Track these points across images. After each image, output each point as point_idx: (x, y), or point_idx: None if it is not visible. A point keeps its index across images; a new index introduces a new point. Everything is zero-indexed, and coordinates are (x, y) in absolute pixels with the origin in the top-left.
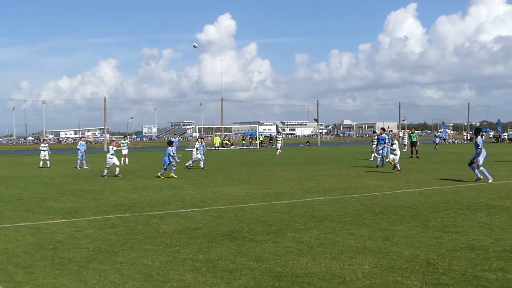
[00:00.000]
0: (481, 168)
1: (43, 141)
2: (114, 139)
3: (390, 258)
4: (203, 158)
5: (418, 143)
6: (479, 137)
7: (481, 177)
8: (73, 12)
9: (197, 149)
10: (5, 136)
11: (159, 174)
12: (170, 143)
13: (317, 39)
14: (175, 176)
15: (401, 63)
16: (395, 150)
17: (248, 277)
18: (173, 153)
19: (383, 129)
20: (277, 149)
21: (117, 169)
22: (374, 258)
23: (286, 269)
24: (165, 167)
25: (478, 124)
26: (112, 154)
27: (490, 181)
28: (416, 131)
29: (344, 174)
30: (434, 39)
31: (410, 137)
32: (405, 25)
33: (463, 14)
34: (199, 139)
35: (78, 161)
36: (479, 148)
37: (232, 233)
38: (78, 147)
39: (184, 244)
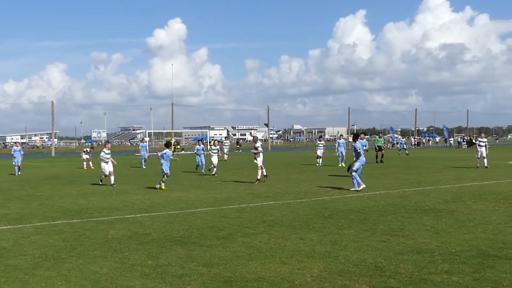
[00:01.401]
0: (354, 174)
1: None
2: (109, 140)
3: (339, 262)
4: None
5: (383, 148)
6: (357, 142)
7: (357, 187)
8: (21, 15)
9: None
10: None
11: (157, 186)
12: (168, 145)
13: (267, 44)
14: (164, 188)
15: (350, 69)
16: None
17: (198, 282)
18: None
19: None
20: (224, 154)
21: (112, 178)
22: (323, 262)
23: (235, 274)
24: (165, 173)
25: (425, 129)
26: (106, 158)
27: (356, 189)
28: (382, 136)
29: (294, 178)
30: (382, 45)
31: (376, 141)
32: (354, 31)
33: (410, 21)
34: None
35: (15, 167)
36: (358, 153)
37: (182, 238)
38: (12, 153)
39: (133, 250)
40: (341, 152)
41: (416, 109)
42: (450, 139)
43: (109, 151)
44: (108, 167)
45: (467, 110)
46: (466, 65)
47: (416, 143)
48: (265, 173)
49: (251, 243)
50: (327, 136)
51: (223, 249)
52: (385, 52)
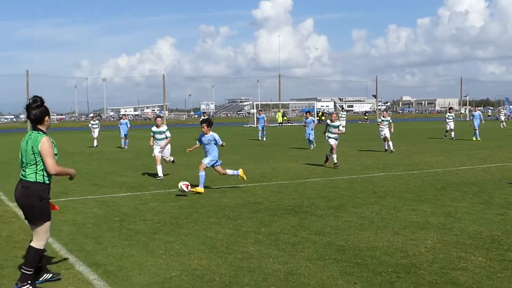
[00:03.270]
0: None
1: (93, 118)
2: (160, 115)
3: (453, 234)
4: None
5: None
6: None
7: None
8: None
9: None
10: (68, 114)
11: (195, 189)
12: (209, 123)
13: (375, 14)
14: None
15: (461, 37)
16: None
17: (311, 249)
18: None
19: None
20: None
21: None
22: (437, 233)
23: (348, 243)
24: (217, 164)
25: None
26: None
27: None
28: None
29: (404, 150)
30: (496, 12)
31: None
32: None
33: None
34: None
35: (122, 140)
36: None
37: (293, 207)
38: (119, 125)
39: (246, 218)
40: (477, 125)
41: None
42: None
43: (161, 129)
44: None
45: None
46: None
47: None
48: (335, 160)
49: (362, 214)
50: (437, 108)
51: (335, 218)
52: (499, 19)
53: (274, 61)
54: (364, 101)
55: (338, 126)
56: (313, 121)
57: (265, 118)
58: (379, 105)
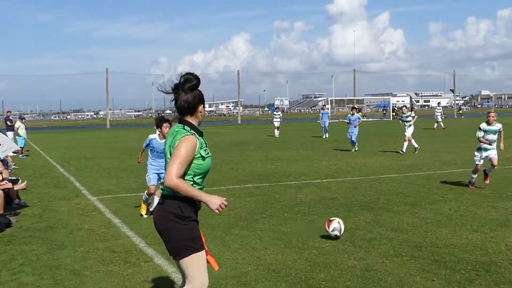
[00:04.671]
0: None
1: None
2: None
3: None
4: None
5: None
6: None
7: None
8: None
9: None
10: (145, 110)
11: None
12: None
13: (452, 6)
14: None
15: None
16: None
17: (387, 246)
18: None
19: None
20: (438, 121)
21: None
22: None
23: (425, 240)
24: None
25: None
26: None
27: None
28: None
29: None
30: None
31: None
32: None
33: None
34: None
35: None
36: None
37: (368, 203)
38: None
39: (321, 213)
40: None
41: None
42: None
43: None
44: None
45: None
46: None
47: None
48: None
49: (440, 210)
50: None
51: (411, 215)
52: None
53: (349, 56)
54: (441, 95)
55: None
56: (359, 119)
57: (329, 114)
58: (456, 100)
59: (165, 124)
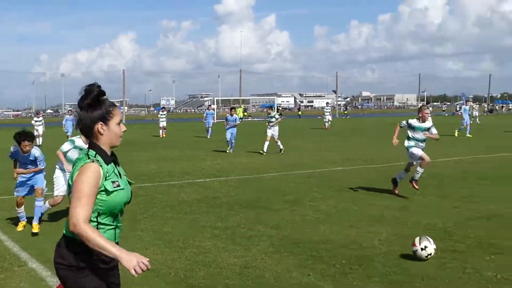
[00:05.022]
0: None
1: (37, 114)
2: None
3: (407, 227)
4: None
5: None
6: None
7: None
8: None
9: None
10: (24, 109)
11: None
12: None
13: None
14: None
15: (421, 34)
16: None
17: (267, 243)
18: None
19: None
20: (326, 121)
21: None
22: (392, 226)
23: (303, 236)
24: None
25: (499, 96)
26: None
27: None
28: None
29: (362, 145)
30: (455, 9)
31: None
32: None
33: None
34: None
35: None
36: None
37: (250, 202)
38: (63, 122)
39: (204, 212)
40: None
41: (490, 75)
42: None
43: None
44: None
45: None
46: None
47: (488, 110)
48: (281, 146)
49: (319, 207)
50: (396, 103)
51: (291, 212)
52: (458, 16)
53: (236, 57)
54: (324, 96)
55: (273, 118)
56: (235, 120)
57: (214, 115)
58: (338, 101)
59: (26, 142)
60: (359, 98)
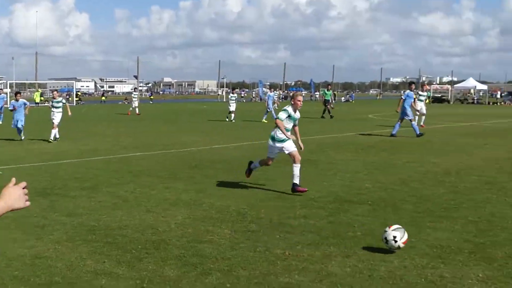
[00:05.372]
0: None
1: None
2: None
3: (203, 209)
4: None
5: (332, 102)
6: None
7: None
8: None
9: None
10: None
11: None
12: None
13: None
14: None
15: (220, 22)
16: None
17: (60, 232)
18: None
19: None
20: (135, 107)
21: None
22: (187, 209)
23: (99, 223)
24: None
25: (293, 83)
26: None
27: None
28: (330, 90)
29: (164, 130)
30: None
31: (324, 95)
32: None
33: None
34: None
35: None
36: None
37: (44, 189)
38: None
39: None
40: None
41: (285, 64)
42: (316, 93)
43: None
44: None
45: (333, 65)
46: (331, 21)
47: (283, 96)
48: (57, 136)
49: (116, 193)
50: (197, 89)
51: (88, 199)
52: (255, 5)
53: (31, 38)
54: (125, 81)
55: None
56: (25, 104)
57: (5, 99)
58: (140, 86)
59: None
60: (161, 84)
